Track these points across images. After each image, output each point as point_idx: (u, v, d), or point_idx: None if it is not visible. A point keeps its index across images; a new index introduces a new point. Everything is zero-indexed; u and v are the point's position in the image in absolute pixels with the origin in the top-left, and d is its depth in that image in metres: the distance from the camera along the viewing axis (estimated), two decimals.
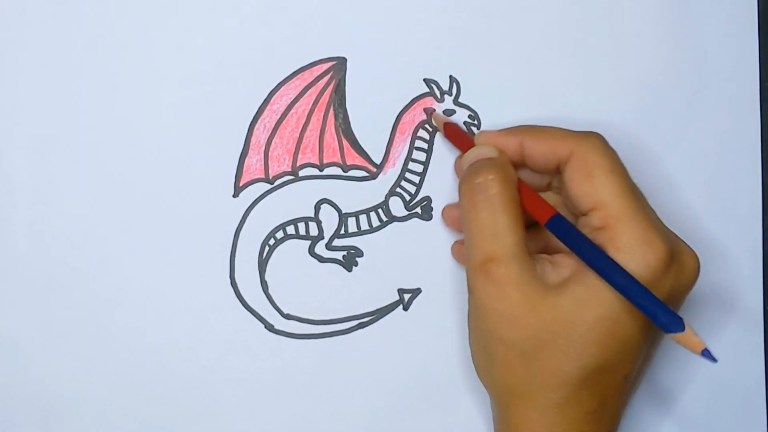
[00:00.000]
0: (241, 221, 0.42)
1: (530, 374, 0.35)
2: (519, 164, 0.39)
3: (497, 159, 0.38)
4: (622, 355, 0.35)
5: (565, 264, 0.36)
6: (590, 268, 0.35)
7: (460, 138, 0.41)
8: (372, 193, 0.43)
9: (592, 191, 0.36)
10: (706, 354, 0.33)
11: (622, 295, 0.34)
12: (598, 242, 0.35)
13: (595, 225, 0.36)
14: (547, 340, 0.35)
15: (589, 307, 0.35)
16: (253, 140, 0.42)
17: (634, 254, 0.34)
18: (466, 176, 0.38)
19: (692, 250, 0.37)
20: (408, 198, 0.43)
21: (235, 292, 0.42)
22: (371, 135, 0.42)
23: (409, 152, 0.43)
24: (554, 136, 0.38)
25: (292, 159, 0.42)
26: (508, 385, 0.36)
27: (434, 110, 0.42)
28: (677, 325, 0.33)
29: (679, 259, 0.36)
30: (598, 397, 0.36)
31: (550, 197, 0.40)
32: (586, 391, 0.35)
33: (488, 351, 0.37)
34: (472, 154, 0.39)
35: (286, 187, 0.42)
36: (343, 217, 0.42)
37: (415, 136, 0.43)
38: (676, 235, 0.37)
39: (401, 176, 0.42)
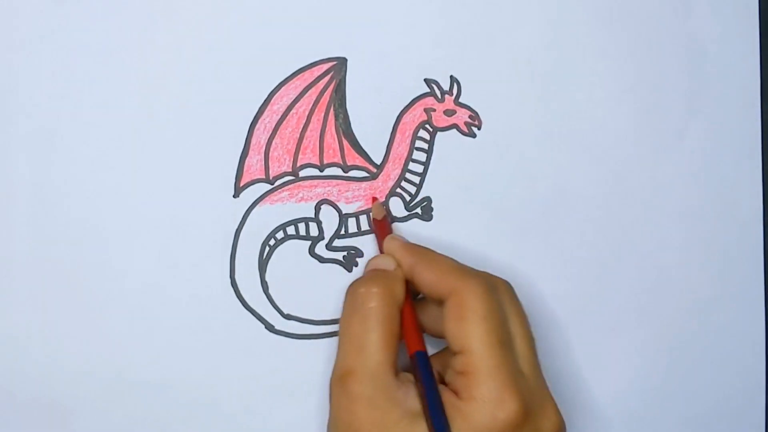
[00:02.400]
0: (241, 221, 0.42)
1: None
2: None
3: (391, 273, 0.38)
4: None
5: None
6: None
7: (384, 229, 0.41)
8: (372, 193, 0.43)
9: (461, 335, 0.35)
10: None
11: None
12: (456, 386, 0.35)
13: (457, 369, 0.35)
14: None
15: None
16: (253, 140, 0.42)
17: (484, 408, 0.34)
18: (354, 283, 0.38)
19: (555, 412, 0.36)
20: (408, 198, 0.43)
21: (235, 292, 0.42)
22: (371, 135, 0.42)
23: (410, 152, 0.43)
24: (441, 269, 0.37)
25: (292, 159, 0.42)
26: None
27: (375, 198, 0.42)
28: None
29: (535, 420, 0.35)
30: None
31: None
32: None
33: None
34: (372, 262, 0.39)
35: (286, 187, 0.42)
36: (343, 218, 0.42)
37: (415, 136, 0.43)
38: (544, 393, 0.37)
39: (401, 176, 0.42)
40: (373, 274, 0.38)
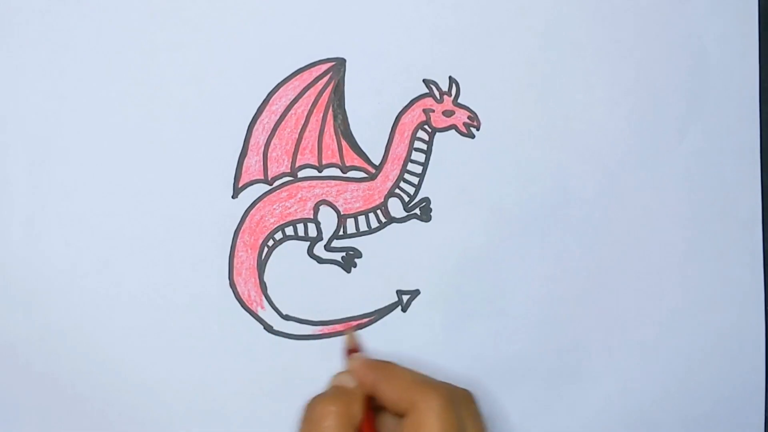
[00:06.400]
0: (240, 222, 0.42)
1: None
2: None
3: (350, 391, 0.38)
4: None
5: None
6: None
7: (352, 350, 0.41)
8: (371, 193, 0.43)
9: None
10: None
11: None
12: None
13: None
14: None
15: None
16: (252, 141, 0.42)
17: None
18: (313, 399, 0.38)
19: None
20: (407, 199, 0.43)
21: (234, 293, 0.42)
22: (370, 136, 0.42)
23: (408, 153, 0.43)
24: (401, 385, 0.37)
25: (291, 160, 0.42)
26: None
27: (350, 325, 0.42)
28: None
29: None
30: None
31: None
32: None
33: None
34: (335, 378, 0.39)
35: (285, 187, 0.42)
36: (341, 218, 0.42)
37: (414, 137, 0.43)
38: None
39: (400, 177, 0.42)
40: (332, 392, 0.38)
